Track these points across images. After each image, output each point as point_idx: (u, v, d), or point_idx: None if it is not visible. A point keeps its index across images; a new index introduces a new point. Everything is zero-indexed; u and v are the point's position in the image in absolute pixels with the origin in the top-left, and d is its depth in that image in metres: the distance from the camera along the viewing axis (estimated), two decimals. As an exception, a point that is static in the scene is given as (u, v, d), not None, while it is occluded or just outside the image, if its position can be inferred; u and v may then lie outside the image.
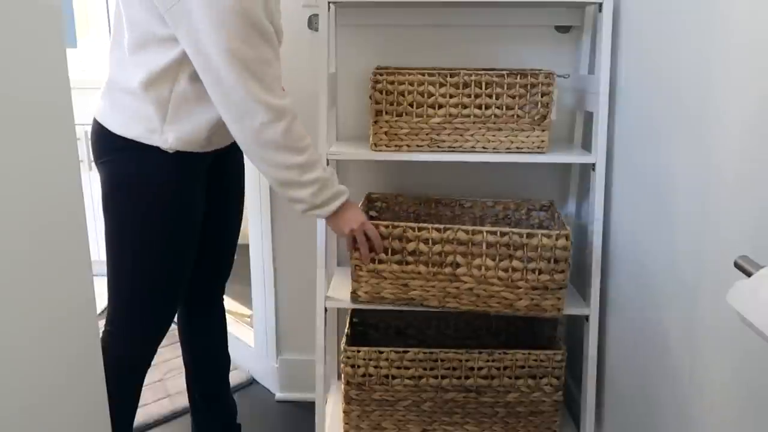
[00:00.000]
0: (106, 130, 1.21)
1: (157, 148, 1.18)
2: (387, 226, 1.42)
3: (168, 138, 1.17)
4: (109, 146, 1.22)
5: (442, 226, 1.41)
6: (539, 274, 1.40)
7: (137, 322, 1.30)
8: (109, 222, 1.24)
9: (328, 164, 1.50)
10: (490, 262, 1.41)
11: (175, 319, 1.59)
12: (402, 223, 1.42)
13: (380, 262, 1.44)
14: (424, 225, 1.42)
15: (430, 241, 1.42)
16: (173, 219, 1.24)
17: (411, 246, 1.43)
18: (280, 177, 1.19)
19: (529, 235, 1.39)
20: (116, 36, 1.19)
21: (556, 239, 1.38)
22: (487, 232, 1.40)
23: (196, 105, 1.17)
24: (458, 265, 1.43)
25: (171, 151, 1.18)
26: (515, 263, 1.41)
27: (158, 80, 1.14)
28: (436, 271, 1.43)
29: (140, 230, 1.23)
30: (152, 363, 1.37)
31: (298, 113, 1.19)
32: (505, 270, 1.41)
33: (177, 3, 1.05)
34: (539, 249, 1.39)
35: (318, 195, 1.24)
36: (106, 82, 1.23)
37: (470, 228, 1.41)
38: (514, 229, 1.40)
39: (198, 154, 1.24)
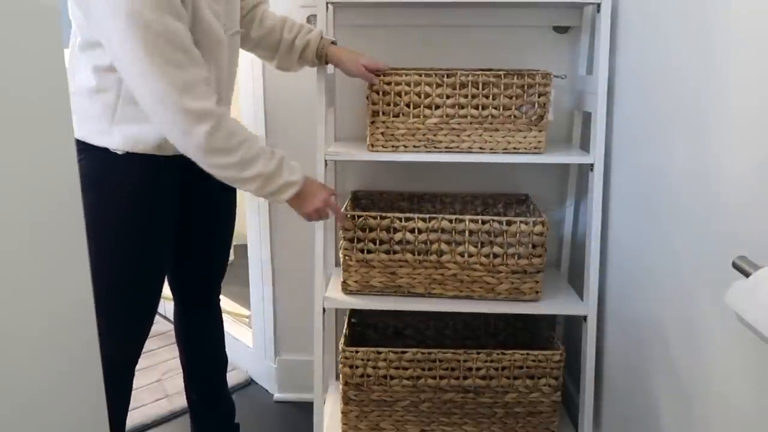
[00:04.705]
0: None
1: (107, 150, 1.16)
2: (375, 217, 1.48)
3: (115, 138, 1.16)
4: None
5: (427, 216, 1.48)
6: (518, 258, 1.48)
7: (105, 325, 1.26)
8: None
9: (326, 165, 1.50)
10: (472, 249, 1.48)
11: (173, 319, 1.59)
12: (390, 214, 1.49)
13: (369, 252, 1.50)
14: (410, 215, 1.48)
15: (416, 231, 1.48)
16: (132, 220, 1.21)
17: (398, 236, 1.49)
18: (221, 175, 1.18)
19: (509, 222, 1.47)
20: (71, 39, 1.19)
21: (534, 225, 1.46)
22: (470, 220, 1.47)
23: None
24: (443, 253, 1.49)
25: (120, 153, 1.17)
26: (496, 249, 1.48)
27: (105, 79, 1.14)
28: (422, 258, 1.50)
29: (98, 231, 1.14)
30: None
31: (227, 113, 1.16)
32: (487, 256, 1.48)
33: (91, 18, 1.08)
34: (518, 235, 1.46)
35: (264, 188, 1.21)
36: None
37: (453, 217, 1.48)
38: (495, 217, 1.47)
39: (155, 156, 1.20)
